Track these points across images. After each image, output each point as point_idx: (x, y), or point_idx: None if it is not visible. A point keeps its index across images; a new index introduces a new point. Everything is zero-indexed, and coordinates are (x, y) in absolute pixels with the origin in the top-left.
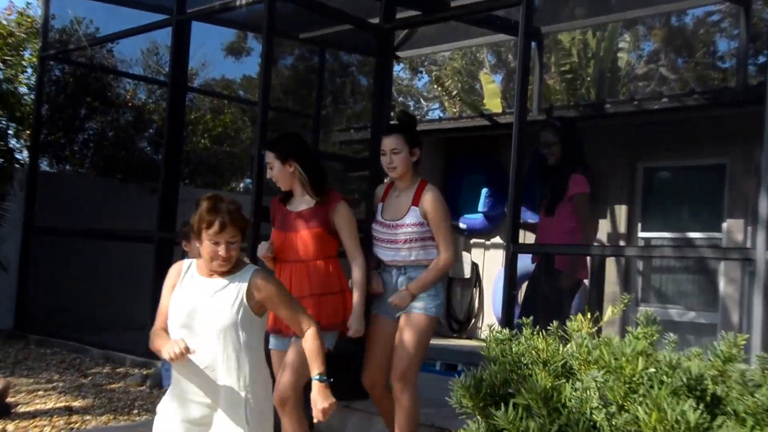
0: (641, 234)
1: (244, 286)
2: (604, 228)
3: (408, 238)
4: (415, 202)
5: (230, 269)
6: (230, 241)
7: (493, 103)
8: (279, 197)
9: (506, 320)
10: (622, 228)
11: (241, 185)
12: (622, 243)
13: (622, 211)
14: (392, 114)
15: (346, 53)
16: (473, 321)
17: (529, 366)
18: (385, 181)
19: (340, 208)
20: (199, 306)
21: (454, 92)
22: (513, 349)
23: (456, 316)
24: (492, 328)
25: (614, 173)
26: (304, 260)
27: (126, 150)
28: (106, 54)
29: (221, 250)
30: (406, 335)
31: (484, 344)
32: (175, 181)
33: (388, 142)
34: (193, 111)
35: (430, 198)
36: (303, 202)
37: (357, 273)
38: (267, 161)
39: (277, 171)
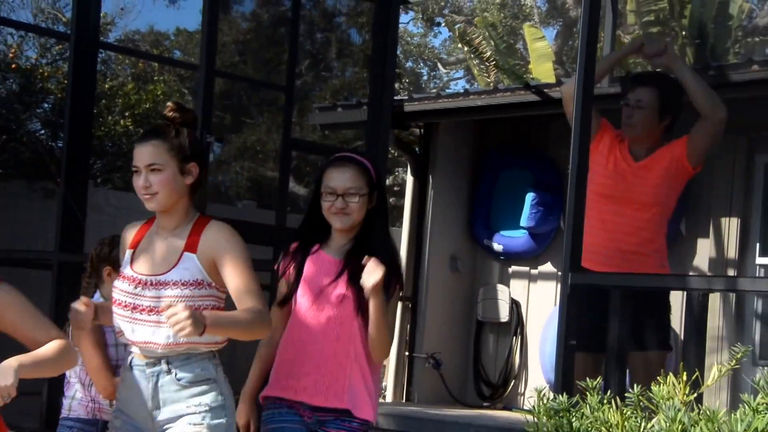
0: (760, 260)
1: None
2: (704, 250)
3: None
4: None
5: None
6: None
7: (543, 70)
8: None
9: (563, 382)
10: (731, 251)
11: None
12: (732, 272)
13: (731, 225)
14: (397, 86)
15: None
16: (513, 384)
17: None
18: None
19: None
20: None
21: (488, 53)
22: (573, 426)
23: (487, 377)
24: (542, 394)
25: (720, 171)
26: None
27: (9, 133)
28: None
29: None
30: None
31: (531, 417)
32: (82, 180)
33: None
34: (108, 78)
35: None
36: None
37: None
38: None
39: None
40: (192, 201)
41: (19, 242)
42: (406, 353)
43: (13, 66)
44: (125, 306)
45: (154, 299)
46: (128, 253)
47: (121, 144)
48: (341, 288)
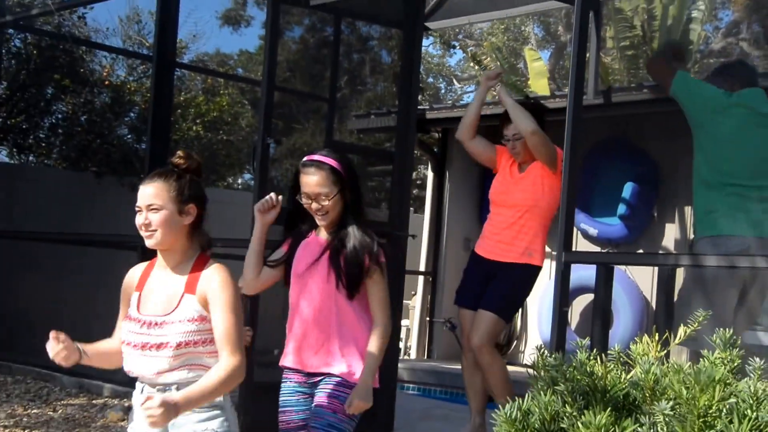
0: None
1: None
2: (671, 233)
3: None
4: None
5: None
6: None
7: (539, 85)
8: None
9: (557, 342)
10: (691, 233)
11: (240, 180)
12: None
13: (690, 213)
14: (420, 97)
15: (366, 23)
16: (515, 343)
17: (586, 396)
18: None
19: None
20: None
21: None
22: (566, 376)
23: None
24: (541, 351)
25: (683, 168)
26: None
27: (102, 138)
28: (78, 21)
29: None
30: None
31: (531, 370)
32: None
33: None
34: (182, 92)
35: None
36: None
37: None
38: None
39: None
40: (192, 240)
41: (110, 227)
42: (428, 318)
43: (106, 83)
44: (135, 345)
45: (161, 336)
46: (135, 295)
47: (192, 145)
48: (324, 265)
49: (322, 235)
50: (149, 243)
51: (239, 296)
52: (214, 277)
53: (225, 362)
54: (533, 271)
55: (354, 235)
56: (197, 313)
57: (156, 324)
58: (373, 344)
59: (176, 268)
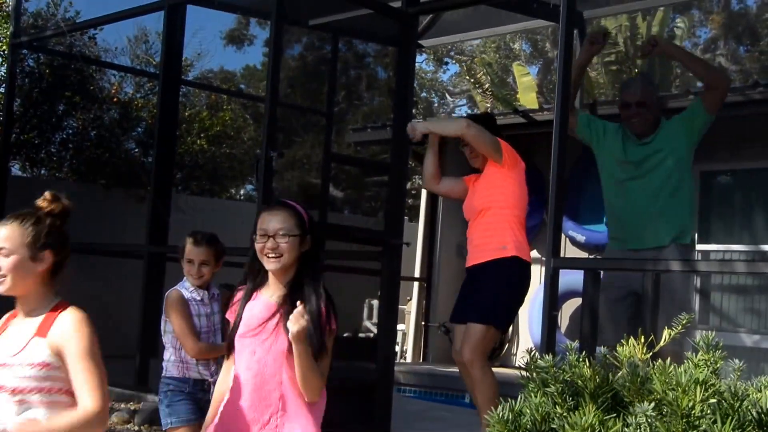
0: (698, 247)
1: None
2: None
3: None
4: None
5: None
6: None
7: (528, 98)
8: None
9: (547, 345)
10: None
11: (242, 192)
12: None
13: None
14: (414, 111)
15: (362, 42)
16: (507, 346)
17: (575, 397)
18: None
19: None
20: None
21: (486, 85)
22: (557, 378)
23: None
24: (533, 354)
25: None
26: None
27: (110, 152)
28: (88, 42)
29: None
30: None
31: (524, 372)
32: (167, 188)
33: None
34: (187, 107)
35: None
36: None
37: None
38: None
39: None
40: (49, 287)
41: (118, 237)
42: (423, 323)
43: (115, 99)
44: None
45: (11, 378)
46: None
47: (197, 159)
48: (272, 331)
49: (269, 295)
50: (0, 289)
51: (96, 340)
52: (69, 324)
53: (79, 408)
54: (512, 264)
55: (316, 293)
56: (44, 359)
57: (4, 365)
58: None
59: (30, 314)
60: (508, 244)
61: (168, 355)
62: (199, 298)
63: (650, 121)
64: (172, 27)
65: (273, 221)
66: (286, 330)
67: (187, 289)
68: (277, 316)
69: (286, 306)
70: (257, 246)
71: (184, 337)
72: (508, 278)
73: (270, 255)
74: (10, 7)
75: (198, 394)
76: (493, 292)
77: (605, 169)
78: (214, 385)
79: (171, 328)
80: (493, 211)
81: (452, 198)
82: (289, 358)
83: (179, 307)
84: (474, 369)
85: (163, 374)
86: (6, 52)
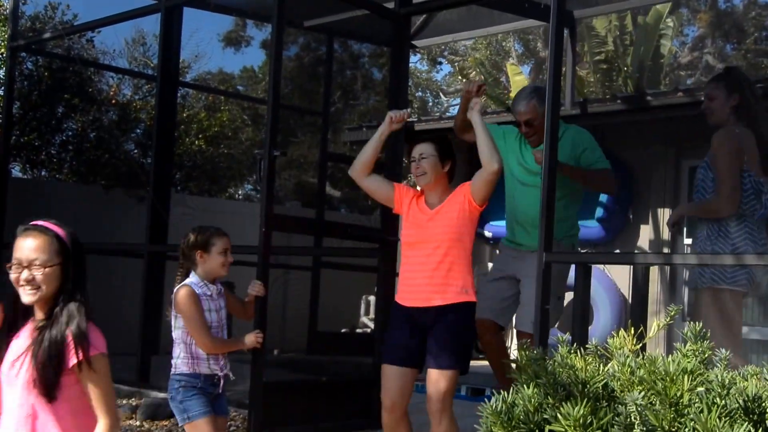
0: (687, 241)
1: None
2: (645, 234)
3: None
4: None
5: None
6: None
7: None
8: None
9: (540, 338)
10: (665, 234)
11: (240, 192)
12: (666, 250)
13: (665, 214)
14: (409, 110)
15: (357, 42)
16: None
17: (566, 388)
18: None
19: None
20: None
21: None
22: (548, 370)
23: None
24: (525, 346)
25: (656, 173)
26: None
27: (110, 153)
28: (86, 44)
29: None
30: None
31: (517, 365)
32: (165, 188)
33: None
34: (185, 108)
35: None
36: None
37: None
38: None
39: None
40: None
41: (118, 237)
42: None
43: (113, 101)
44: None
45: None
46: None
47: (195, 159)
48: (26, 368)
49: (30, 329)
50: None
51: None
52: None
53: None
54: (473, 309)
55: (68, 315)
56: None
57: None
58: None
59: None
60: (470, 289)
61: (178, 351)
62: (209, 293)
63: (542, 131)
64: (169, 29)
65: (27, 250)
66: (36, 366)
67: (197, 284)
68: (29, 352)
69: (40, 339)
70: (12, 276)
71: (199, 332)
72: (471, 322)
73: (26, 288)
74: (7, 10)
75: (209, 389)
76: (459, 338)
77: (507, 168)
78: (224, 380)
79: (181, 323)
80: (459, 248)
81: (371, 196)
82: (39, 395)
83: (192, 302)
84: (444, 419)
85: (172, 372)
86: (5, 55)
